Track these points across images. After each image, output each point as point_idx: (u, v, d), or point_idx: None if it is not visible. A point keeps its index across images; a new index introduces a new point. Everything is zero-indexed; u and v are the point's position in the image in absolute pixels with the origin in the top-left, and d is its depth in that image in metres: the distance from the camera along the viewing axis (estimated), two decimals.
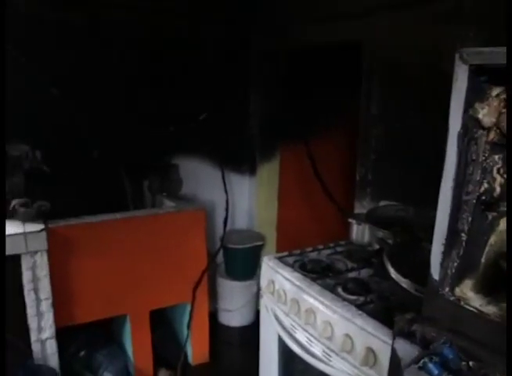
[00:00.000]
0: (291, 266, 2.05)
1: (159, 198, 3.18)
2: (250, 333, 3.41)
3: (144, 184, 3.28)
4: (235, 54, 3.38)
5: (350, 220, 2.29)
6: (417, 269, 1.46)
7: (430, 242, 1.27)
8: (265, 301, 2.15)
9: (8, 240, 2.35)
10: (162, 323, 3.11)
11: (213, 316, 3.26)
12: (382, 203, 2.42)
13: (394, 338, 1.30)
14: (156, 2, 3.11)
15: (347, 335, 1.60)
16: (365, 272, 1.99)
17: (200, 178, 3.41)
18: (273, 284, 2.06)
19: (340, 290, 1.81)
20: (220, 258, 3.41)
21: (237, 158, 3.58)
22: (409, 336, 1.26)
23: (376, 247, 2.15)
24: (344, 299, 1.74)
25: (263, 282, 2.17)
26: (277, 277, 2.04)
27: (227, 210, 3.25)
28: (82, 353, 2.84)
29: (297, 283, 1.90)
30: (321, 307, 1.75)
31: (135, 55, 3.13)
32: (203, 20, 3.24)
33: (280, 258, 2.15)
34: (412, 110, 2.26)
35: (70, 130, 3.01)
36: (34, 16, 2.90)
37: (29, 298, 2.47)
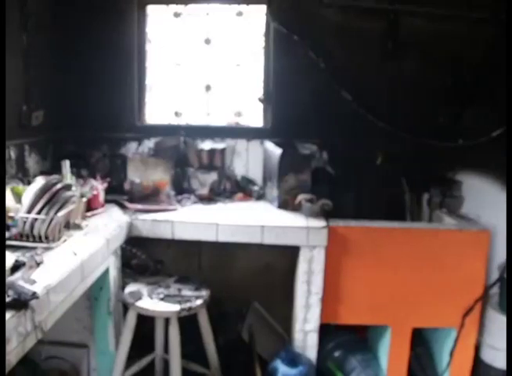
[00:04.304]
0: None
1: (437, 213, 3.04)
2: None
3: (423, 197, 3.18)
4: None
5: None
6: None
7: None
8: None
9: (292, 231, 2.53)
10: (420, 342, 2.96)
11: (475, 349, 2.97)
12: None
13: None
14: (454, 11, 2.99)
15: None
16: None
17: (484, 198, 3.13)
18: None
19: None
20: (495, 288, 3.09)
21: None
22: None
23: None
24: None
25: None
26: None
27: None
28: (337, 353, 2.89)
29: None
30: None
31: (430, 62, 3.09)
32: None
33: None
34: None
35: (356, 134, 3.09)
36: (339, 26, 3.06)
37: (301, 289, 2.62)
